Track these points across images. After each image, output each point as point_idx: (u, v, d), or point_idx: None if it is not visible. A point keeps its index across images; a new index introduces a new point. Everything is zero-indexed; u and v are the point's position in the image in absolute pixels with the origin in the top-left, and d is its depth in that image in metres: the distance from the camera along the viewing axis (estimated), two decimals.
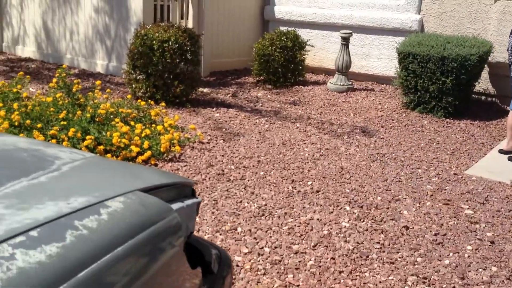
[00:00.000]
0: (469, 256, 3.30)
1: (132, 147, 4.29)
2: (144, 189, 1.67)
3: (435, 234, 3.54)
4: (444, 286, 2.94)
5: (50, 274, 1.06)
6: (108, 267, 1.23)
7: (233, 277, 2.85)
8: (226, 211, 3.67)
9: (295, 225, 3.52)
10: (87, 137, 4.21)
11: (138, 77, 6.25)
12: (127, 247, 1.32)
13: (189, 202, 1.93)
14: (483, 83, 7.36)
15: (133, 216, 1.45)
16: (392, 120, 6.44)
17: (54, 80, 5.20)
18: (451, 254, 3.30)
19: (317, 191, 4.11)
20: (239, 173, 4.37)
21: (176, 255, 1.60)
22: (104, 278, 1.21)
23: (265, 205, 3.81)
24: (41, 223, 1.20)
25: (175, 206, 1.80)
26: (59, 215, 1.26)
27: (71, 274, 1.10)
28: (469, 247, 3.41)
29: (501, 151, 5.37)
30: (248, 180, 4.24)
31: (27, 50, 9.03)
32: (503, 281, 3.04)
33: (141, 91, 6.23)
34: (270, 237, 3.35)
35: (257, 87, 7.79)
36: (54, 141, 4.14)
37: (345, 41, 7.70)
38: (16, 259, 1.04)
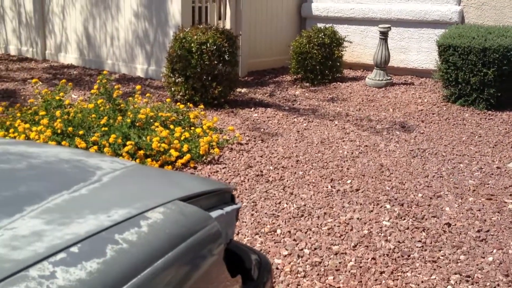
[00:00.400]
0: None
1: (172, 151, 4.35)
2: (184, 198, 1.69)
3: (478, 231, 3.48)
4: (488, 284, 2.89)
5: None
6: (149, 280, 1.24)
7: (273, 280, 2.87)
8: (265, 213, 3.69)
9: (334, 225, 3.52)
10: (128, 142, 4.30)
11: (177, 80, 6.33)
12: (167, 259, 1.32)
13: (228, 209, 1.94)
14: None
15: (173, 227, 1.45)
16: (433, 114, 6.34)
17: (96, 86, 5.32)
18: (495, 250, 3.24)
19: (357, 190, 4.10)
20: (278, 173, 4.39)
21: (215, 264, 1.61)
22: None
23: (304, 205, 3.82)
24: (82, 238, 1.21)
25: (215, 214, 1.81)
26: (99, 229, 1.28)
27: None
28: None
29: None
30: (287, 181, 4.26)
31: (69, 57, 9.27)
32: None
33: (180, 93, 6.31)
34: (310, 238, 3.36)
35: (295, 86, 7.78)
36: (95, 147, 4.25)
37: (384, 35, 7.62)
38: (57, 277, 1.05)
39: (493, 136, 5.52)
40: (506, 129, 5.77)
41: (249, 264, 2.03)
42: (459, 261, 3.12)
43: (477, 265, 3.08)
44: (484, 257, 3.16)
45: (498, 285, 2.89)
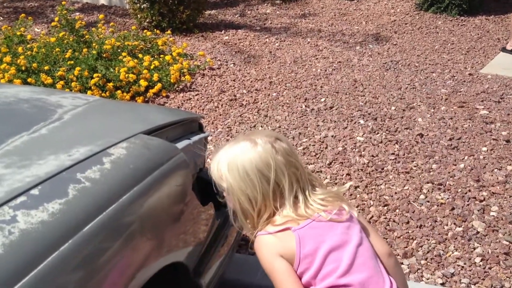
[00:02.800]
0: (484, 157, 3.30)
1: (141, 81, 4.26)
2: (148, 131, 1.66)
3: (450, 139, 3.53)
4: (460, 190, 2.96)
5: (53, 233, 1.07)
6: (115, 216, 1.23)
7: None
8: None
9: (309, 145, 3.53)
10: (95, 75, 4.18)
11: (142, 6, 6.12)
12: (133, 194, 1.31)
13: (196, 138, 1.91)
14: None
15: (137, 161, 1.43)
16: (405, 24, 6.26)
17: (56, 18, 5.12)
18: (466, 157, 3.30)
19: (331, 107, 4.09)
20: (252, 96, 4.36)
21: (185, 194, 1.61)
22: (112, 227, 1.21)
23: (279, 127, 3.82)
24: (42, 180, 1.19)
25: (181, 144, 1.79)
26: (60, 170, 1.26)
27: (75, 229, 1.11)
28: (484, 148, 3.40)
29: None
30: (261, 103, 4.23)
31: None
32: None
33: (147, 20, 6.13)
34: None
35: (266, 3, 7.58)
36: (62, 82, 4.13)
37: None
38: (18, 221, 1.04)
39: (465, 43, 5.50)
40: (478, 34, 5.75)
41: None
42: (431, 170, 3.18)
43: (449, 172, 3.14)
44: (455, 165, 3.22)
45: (469, 190, 2.96)
